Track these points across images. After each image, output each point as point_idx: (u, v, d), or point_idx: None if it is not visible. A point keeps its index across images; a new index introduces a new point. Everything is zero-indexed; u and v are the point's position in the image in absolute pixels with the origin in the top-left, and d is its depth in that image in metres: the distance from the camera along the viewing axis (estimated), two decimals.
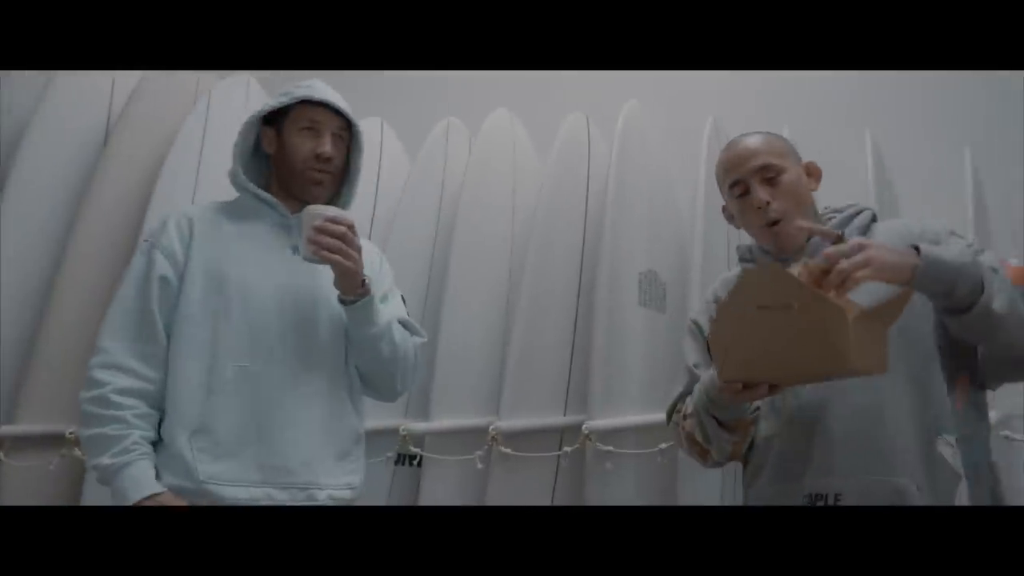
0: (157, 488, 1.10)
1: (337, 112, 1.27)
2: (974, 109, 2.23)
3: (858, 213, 1.18)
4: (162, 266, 1.19)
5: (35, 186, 2.18)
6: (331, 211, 1.17)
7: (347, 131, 1.30)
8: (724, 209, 1.27)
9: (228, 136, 2.39)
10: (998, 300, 0.91)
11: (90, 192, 2.16)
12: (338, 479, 1.23)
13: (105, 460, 1.11)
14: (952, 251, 0.96)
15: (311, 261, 1.16)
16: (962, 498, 0.97)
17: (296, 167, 1.25)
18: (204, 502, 1.11)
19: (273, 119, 1.28)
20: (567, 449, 1.85)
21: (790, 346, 0.86)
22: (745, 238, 1.27)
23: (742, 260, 1.26)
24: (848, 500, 0.99)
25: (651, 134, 2.20)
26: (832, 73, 2.11)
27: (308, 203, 1.24)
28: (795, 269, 0.91)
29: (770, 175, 1.14)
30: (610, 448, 1.79)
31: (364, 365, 1.28)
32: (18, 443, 1.95)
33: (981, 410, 1.09)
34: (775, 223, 1.13)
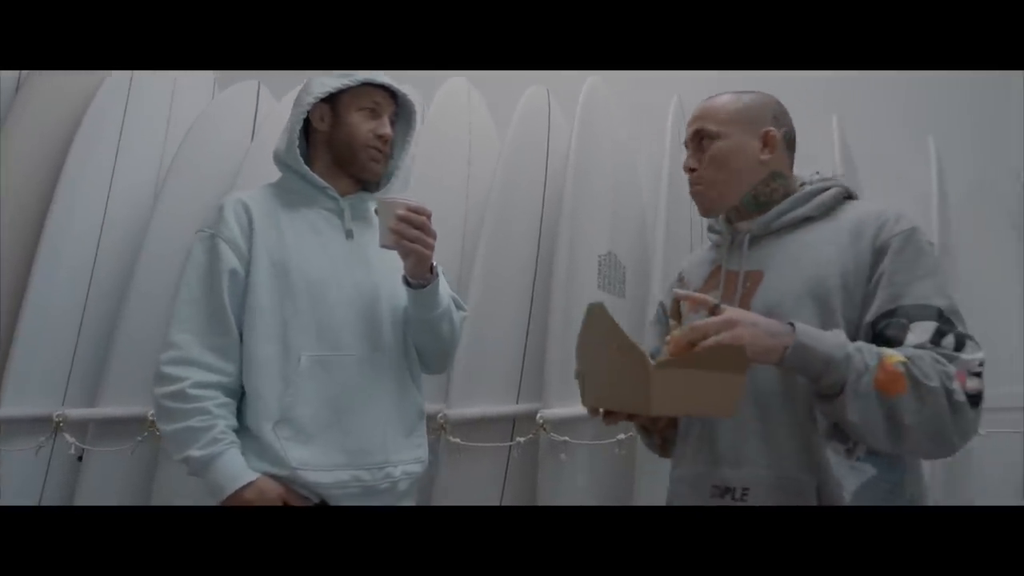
0: (251, 476, 1.13)
1: (391, 95, 1.32)
2: (938, 101, 2.22)
3: (823, 191, 1.07)
4: (229, 259, 1.20)
5: None
6: (411, 201, 1.20)
7: (395, 115, 1.35)
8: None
9: (155, 92, 2.23)
10: (852, 410, 0.90)
11: None
12: (408, 454, 1.26)
13: (194, 452, 1.13)
14: (827, 342, 0.91)
15: (389, 248, 1.20)
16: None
17: (357, 145, 1.28)
18: (298, 487, 1.16)
19: (327, 97, 1.29)
20: (520, 439, 1.75)
21: (616, 383, 0.92)
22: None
23: (710, 231, 1.20)
24: (754, 493, 0.99)
25: (614, 111, 2.10)
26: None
27: (363, 180, 1.31)
28: (674, 332, 0.92)
29: (701, 140, 1.11)
30: (566, 439, 1.69)
31: (423, 343, 1.32)
32: None
33: None
34: (696, 186, 1.12)
